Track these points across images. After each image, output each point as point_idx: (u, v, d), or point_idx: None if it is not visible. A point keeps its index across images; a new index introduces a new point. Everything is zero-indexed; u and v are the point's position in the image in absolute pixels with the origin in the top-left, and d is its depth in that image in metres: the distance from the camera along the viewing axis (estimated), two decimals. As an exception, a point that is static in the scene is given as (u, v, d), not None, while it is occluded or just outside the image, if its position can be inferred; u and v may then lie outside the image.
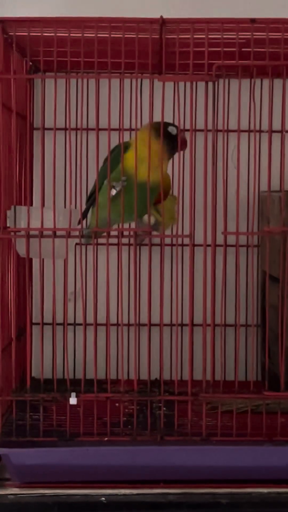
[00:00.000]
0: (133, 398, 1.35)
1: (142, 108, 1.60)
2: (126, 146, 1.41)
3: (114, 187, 1.38)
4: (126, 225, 1.45)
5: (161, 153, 1.34)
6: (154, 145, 1.36)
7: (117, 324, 1.62)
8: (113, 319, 1.51)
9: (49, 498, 1.29)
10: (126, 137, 1.59)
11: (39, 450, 1.31)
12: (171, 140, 1.41)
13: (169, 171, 1.58)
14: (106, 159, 1.42)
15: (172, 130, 1.42)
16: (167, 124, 1.42)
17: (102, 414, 1.34)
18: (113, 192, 1.38)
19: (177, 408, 1.34)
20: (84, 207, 1.49)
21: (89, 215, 1.51)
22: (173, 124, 1.44)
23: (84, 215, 1.50)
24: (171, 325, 1.67)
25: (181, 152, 1.38)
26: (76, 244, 1.42)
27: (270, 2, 1.67)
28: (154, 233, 1.44)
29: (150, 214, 1.40)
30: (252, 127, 1.64)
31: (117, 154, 1.40)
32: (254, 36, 1.31)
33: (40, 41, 1.32)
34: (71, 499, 1.29)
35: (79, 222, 1.38)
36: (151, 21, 1.30)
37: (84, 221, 1.50)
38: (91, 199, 1.48)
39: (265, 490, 1.31)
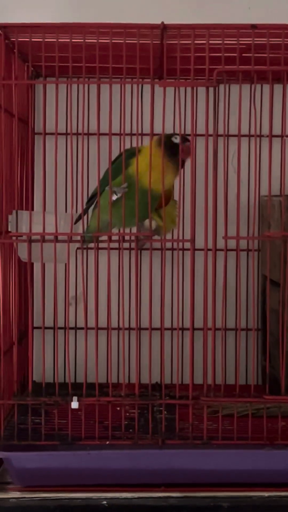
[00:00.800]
0: (134, 402, 1.35)
1: (143, 113, 1.61)
2: (133, 152, 1.42)
3: (115, 192, 1.38)
4: (127, 230, 1.46)
5: (163, 161, 1.34)
6: (158, 154, 1.37)
7: (118, 328, 1.63)
8: (114, 323, 1.52)
9: (51, 502, 1.29)
10: (127, 142, 1.60)
11: (41, 454, 1.31)
12: (176, 150, 1.40)
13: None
14: (112, 162, 1.42)
15: (176, 139, 1.42)
16: (173, 135, 1.42)
17: (104, 418, 1.35)
18: (114, 197, 1.38)
19: (178, 411, 1.34)
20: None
21: (89, 216, 1.51)
22: (179, 134, 1.43)
23: (84, 213, 1.50)
24: (172, 329, 1.68)
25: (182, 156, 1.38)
26: (77, 248, 1.42)
27: (271, 8, 1.67)
28: (155, 237, 1.44)
29: (151, 219, 1.40)
30: (252, 132, 1.65)
31: (125, 159, 1.41)
32: (255, 42, 1.31)
33: (41, 47, 1.33)
34: (73, 503, 1.29)
35: (76, 221, 1.39)
36: (152, 26, 1.30)
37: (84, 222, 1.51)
38: (92, 200, 1.48)
39: (266, 494, 1.31)
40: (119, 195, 1.38)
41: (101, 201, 1.42)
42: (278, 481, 1.33)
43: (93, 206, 1.49)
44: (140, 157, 1.39)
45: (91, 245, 1.36)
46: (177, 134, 1.43)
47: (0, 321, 1.36)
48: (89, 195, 1.54)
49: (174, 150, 1.40)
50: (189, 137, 1.35)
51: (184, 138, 1.40)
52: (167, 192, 1.43)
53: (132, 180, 1.37)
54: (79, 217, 1.45)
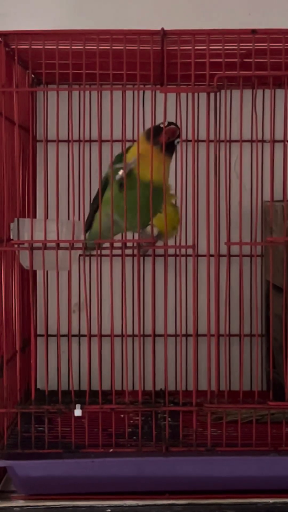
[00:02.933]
0: (138, 409, 1.35)
1: (144, 120, 1.61)
2: (128, 149, 1.42)
3: (121, 168, 1.37)
4: (129, 236, 1.46)
5: (152, 151, 1.33)
6: (146, 145, 1.37)
7: (122, 335, 1.62)
8: (117, 330, 1.51)
9: (55, 510, 1.29)
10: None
11: (44, 462, 1.31)
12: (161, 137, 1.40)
13: (171, 182, 1.58)
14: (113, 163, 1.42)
15: (161, 125, 1.41)
16: (158, 125, 1.42)
17: (107, 425, 1.34)
18: (121, 172, 1.37)
19: (182, 418, 1.34)
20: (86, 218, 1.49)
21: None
22: (166, 122, 1.43)
23: (89, 219, 1.50)
24: (175, 335, 1.67)
25: (183, 161, 1.38)
26: (80, 255, 1.42)
27: (271, 13, 1.67)
28: (158, 243, 1.44)
29: (153, 225, 1.40)
30: (254, 137, 1.65)
31: (119, 155, 1.41)
32: (255, 47, 1.31)
33: (42, 54, 1.33)
34: (77, 511, 1.29)
35: (87, 229, 1.38)
36: (153, 33, 1.30)
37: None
38: (95, 202, 1.48)
39: (270, 500, 1.31)
40: (128, 169, 1.36)
41: (105, 196, 1.41)
42: (283, 488, 1.32)
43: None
44: (132, 149, 1.39)
45: (94, 252, 1.36)
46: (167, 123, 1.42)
47: (3, 329, 1.36)
48: (92, 200, 1.54)
49: (161, 136, 1.40)
50: (190, 143, 1.35)
51: (170, 123, 1.39)
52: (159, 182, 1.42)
53: (133, 173, 1.37)
54: (89, 225, 1.45)
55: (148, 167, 1.32)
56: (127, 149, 1.42)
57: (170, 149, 1.42)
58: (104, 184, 1.44)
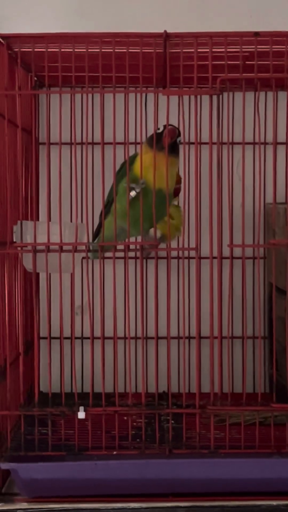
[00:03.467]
0: (141, 411, 1.35)
1: (147, 122, 1.61)
2: (133, 158, 1.42)
3: (133, 188, 1.37)
4: (132, 239, 1.46)
5: (155, 156, 1.33)
6: (150, 154, 1.37)
7: (125, 338, 1.62)
8: (120, 333, 1.51)
9: (58, 513, 1.29)
10: (131, 151, 1.60)
11: (48, 465, 1.31)
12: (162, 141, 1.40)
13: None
14: (116, 173, 1.42)
15: (159, 129, 1.41)
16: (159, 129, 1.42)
17: (110, 427, 1.34)
18: (133, 193, 1.37)
19: (185, 421, 1.34)
20: (89, 221, 1.49)
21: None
22: (162, 126, 1.43)
23: (98, 228, 1.50)
24: (178, 337, 1.67)
25: (186, 164, 1.37)
26: (83, 258, 1.42)
27: (273, 15, 1.67)
28: (161, 246, 1.44)
29: (156, 228, 1.40)
30: (256, 140, 1.65)
31: (124, 165, 1.41)
32: (258, 49, 1.31)
33: (44, 57, 1.33)
34: (80, 514, 1.29)
35: (95, 236, 1.38)
36: (155, 35, 1.30)
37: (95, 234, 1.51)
38: (106, 209, 1.47)
39: (274, 503, 1.31)
40: (138, 190, 1.37)
41: (112, 208, 1.41)
42: (287, 490, 1.32)
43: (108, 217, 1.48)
44: (138, 161, 1.39)
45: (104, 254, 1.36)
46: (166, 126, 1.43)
47: (6, 331, 1.36)
48: (94, 205, 1.54)
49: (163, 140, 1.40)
50: (193, 145, 1.35)
51: (169, 125, 1.40)
52: (170, 187, 1.42)
53: (138, 179, 1.37)
54: (98, 231, 1.45)
55: (157, 176, 1.32)
56: (133, 160, 1.42)
57: (175, 149, 1.42)
58: (111, 197, 1.44)
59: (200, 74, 1.31)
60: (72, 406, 1.33)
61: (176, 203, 1.55)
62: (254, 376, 1.69)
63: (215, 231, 1.30)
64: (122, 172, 1.43)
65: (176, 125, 1.49)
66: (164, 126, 1.39)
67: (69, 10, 1.69)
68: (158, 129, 1.39)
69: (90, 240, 1.42)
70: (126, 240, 1.37)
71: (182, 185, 1.54)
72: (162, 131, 1.39)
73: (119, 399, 1.36)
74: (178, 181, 1.49)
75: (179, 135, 1.41)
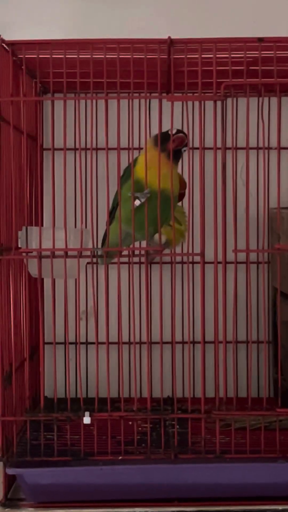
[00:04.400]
0: (146, 416, 1.35)
1: (151, 128, 1.61)
2: (135, 161, 1.42)
3: (138, 198, 1.38)
4: (136, 244, 1.46)
5: (159, 157, 1.34)
6: (153, 152, 1.37)
7: (129, 343, 1.63)
8: (125, 338, 1.52)
9: (64, 518, 1.29)
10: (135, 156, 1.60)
11: (54, 470, 1.31)
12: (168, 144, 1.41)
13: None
14: (121, 177, 1.43)
15: (169, 132, 1.42)
16: (166, 132, 1.42)
17: (116, 432, 1.34)
18: (137, 203, 1.38)
19: (191, 425, 1.34)
20: (94, 226, 1.49)
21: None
22: (175, 130, 1.43)
23: (105, 235, 1.51)
24: (183, 342, 1.68)
25: (191, 169, 1.38)
26: (88, 263, 1.43)
27: (277, 21, 1.68)
28: (165, 251, 1.44)
29: (161, 233, 1.40)
30: (260, 145, 1.65)
31: (128, 169, 1.41)
32: (262, 55, 1.32)
33: (49, 63, 1.33)
34: (86, 519, 1.29)
35: (103, 242, 1.38)
36: (159, 41, 1.31)
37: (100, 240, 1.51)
38: (112, 214, 1.48)
39: (280, 507, 1.31)
40: (142, 200, 1.37)
41: (120, 213, 1.41)
42: (292, 494, 1.32)
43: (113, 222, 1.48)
44: (141, 158, 1.39)
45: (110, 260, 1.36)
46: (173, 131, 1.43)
47: (12, 337, 1.36)
48: (98, 211, 1.54)
49: (168, 143, 1.40)
50: (198, 150, 1.35)
51: (178, 130, 1.40)
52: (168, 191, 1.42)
53: (141, 184, 1.37)
54: (104, 237, 1.46)
55: (157, 175, 1.32)
56: (135, 160, 1.42)
57: (176, 156, 1.42)
58: (116, 203, 1.44)
59: (204, 79, 1.31)
60: (78, 411, 1.33)
61: (181, 208, 1.55)
62: (259, 381, 1.69)
63: (220, 236, 1.31)
64: (126, 176, 1.43)
65: (182, 131, 1.50)
66: (177, 131, 1.39)
67: (74, 17, 1.70)
68: (169, 130, 1.39)
69: (97, 245, 1.43)
70: (132, 245, 1.37)
71: (187, 191, 1.54)
72: (171, 134, 1.39)
73: (124, 404, 1.36)
74: (183, 186, 1.49)
75: (185, 145, 1.41)
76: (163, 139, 1.39)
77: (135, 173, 1.38)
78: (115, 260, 1.36)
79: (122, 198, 1.38)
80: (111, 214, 1.46)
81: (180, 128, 1.60)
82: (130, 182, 1.36)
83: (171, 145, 1.38)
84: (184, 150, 1.42)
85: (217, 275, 1.31)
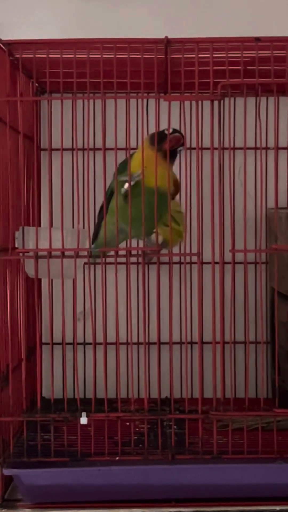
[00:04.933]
0: (143, 417, 1.35)
1: (148, 128, 1.61)
2: (131, 156, 1.42)
3: (126, 181, 1.37)
4: (134, 244, 1.46)
5: (156, 157, 1.34)
6: (149, 151, 1.37)
7: (127, 343, 1.62)
8: (122, 338, 1.51)
9: (61, 519, 1.29)
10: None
11: (51, 471, 1.31)
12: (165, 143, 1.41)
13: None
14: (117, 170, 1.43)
15: (165, 131, 1.42)
16: (163, 131, 1.42)
17: (113, 433, 1.34)
18: (126, 186, 1.37)
19: (188, 426, 1.34)
20: (92, 227, 1.49)
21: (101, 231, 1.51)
22: (171, 129, 1.43)
23: (95, 229, 1.50)
24: (180, 343, 1.67)
25: (188, 168, 1.38)
26: (85, 263, 1.42)
27: (274, 21, 1.68)
28: (163, 251, 1.44)
29: (158, 233, 1.40)
30: (258, 145, 1.65)
31: (123, 163, 1.41)
32: (259, 55, 1.31)
33: (46, 63, 1.33)
34: (83, 519, 1.29)
35: (94, 239, 1.38)
36: (156, 41, 1.31)
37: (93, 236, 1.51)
38: (101, 213, 1.48)
39: (277, 508, 1.31)
40: (133, 182, 1.37)
41: (110, 205, 1.41)
42: (290, 495, 1.32)
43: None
44: (136, 155, 1.39)
45: (99, 260, 1.36)
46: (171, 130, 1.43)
47: (9, 337, 1.36)
48: (96, 211, 1.54)
49: (163, 142, 1.40)
50: (195, 151, 1.35)
51: (174, 130, 1.40)
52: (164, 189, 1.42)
53: (138, 181, 1.37)
54: (95, 235, 1.45)
55: (153, 173, 1.32)
56: (131, 155, 1.42)
57: (172, 156, 1.42)
58: (110, 194, 1.44)
59: (201, 79, 1.31)
60: (75, 412, 1.33)
61: (179, 207, 1.55)
62: (257, 381, 1.69)
63: (217, 236, 1.30)
64: (120, 169, 1.43)
65: (178, 130, 1.49)
66: (174, 130, 1.39)
67: (71, 16, 1.70)
68: (166, 130, 1.39)
69: (90, 240, 1.42)
70: (127, 240, 1.37)
71: (184, 191, 1.54)
72: (167, 134, 1.39)
73: (122, 404, 1.36)
74: (176, 185, 1.49)
75: (181, 145, 1.41)
76: (159, 138, 1.39)
77: (130, 168, 1.38)
78: (111, 259, 1.35)
79: (114, 190, 1.38)
80: (101, 210, 1.46)
81: (177, 128, 1.61)
82: (124, 173, 1.36)
83: (168, 145, 1.38)
84: (180, 150, 1.42)
85: (215, 275, 1.31)
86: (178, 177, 1.53)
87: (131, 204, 1.34)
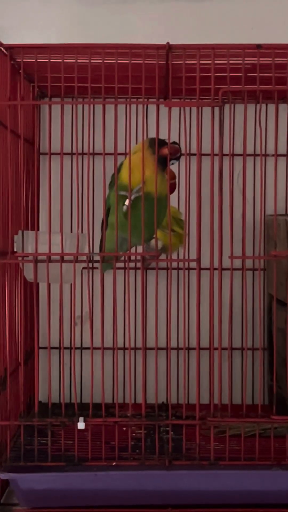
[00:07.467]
0: (140, 422, 1.34)
1: (148, 133, 1.61)
2: (120, 166, 1.42)
3: (126, 197, 1.37)
4: (133, 249, 1.46)
5: (148, 159, 1.34)
6: (146, 153, 1.38)
7: (124, 348, 1.62)
8: (120, 343, 1.51)
9: (57, 523, 1.29)
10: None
11: (47, 475, 1.30)
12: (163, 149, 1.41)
13: (175, 195, 1.59)
14: (110, 183, 1.43)
15: (166, 141, 1.42)
16: (164, 140, 1.42)
17: (110, 438, 1.34)
18: (125, 208, 1.38)
19: (185, 432, 1.34)
20: (90, 231, 1.49)
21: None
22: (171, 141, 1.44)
23: (101, 241, 1.51)
24: (178, 348, 1.67)
25: (187, 175, 1.38)
26: (83, 268, 1.42)
27: (276, 28, 1.68)
28: (161, 257, 1.44)
29: (157, 239, 1.40)
30: (258, 151, 1.65)
31: (113, 177, 1.42)
32: (260, 62, 1.32)
33: (47, 67, 1.33)
34: (79, 524, 1.29)
35: (101, 247, 1.39)
36: (158, 47, 1.31)
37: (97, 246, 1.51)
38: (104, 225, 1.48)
39: (273, 515, 1.31)
40: (133, 197, 1.37)
41: (112, 218, 1.41)
42: (286, 502, 1.32)
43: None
44: (126, 162, 1.39)
45: (97, 265, 1.36)
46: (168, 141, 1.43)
47: (6, 341, 1.36)
48: (95, 216, 1.54)
49: (162, 148, 1.40)
50: (195, 157, 1.35)
51: (174, 142, 1.40)
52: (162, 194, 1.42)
53: (125, 185, 1.37)
54: (101, 243, 1.46)
55: (151, 178, 1.32)
56: (121, 164, 1.42)
57: (164, 165, 1.41)
58: (109, 208, 1.44)
59: (202, 85, 1.31)
60: (72, 416, 1.33)
61: (179, 213, 1.55)
62: (254, 388, 1.69)
63: (216, 243, 1.31)
64: (112, 182, 1.43)
65: (178, 137, 1.50)
66: (173, 143, 1.40)
67: (72, 21, 1.70)
68: (166, 140, 1.40)
69: (93, 250, 1.42)
70: (128, 249, 1.37)
71: (183, 197, 1.54)
72: (168, 142, 1.39)
73: (119, 409, 1.36)
74: (173, 176, 1.48)
75: (178, 158, 1.41)
76: (159, 145, 1.39)
77: (121, 178, 1.38)
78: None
79: (113, 203, 1.38)
80: (106, 219, 1.47)
81: (177, 134, 1.61)
82: (125, 194, 1.36)
83: (167, 150, 1.38)
84: (173, 163, 1.42)
85: (213, 281, 1.31)
86: (178, 183, 1.54)
87: (131, 212, 1.35)
